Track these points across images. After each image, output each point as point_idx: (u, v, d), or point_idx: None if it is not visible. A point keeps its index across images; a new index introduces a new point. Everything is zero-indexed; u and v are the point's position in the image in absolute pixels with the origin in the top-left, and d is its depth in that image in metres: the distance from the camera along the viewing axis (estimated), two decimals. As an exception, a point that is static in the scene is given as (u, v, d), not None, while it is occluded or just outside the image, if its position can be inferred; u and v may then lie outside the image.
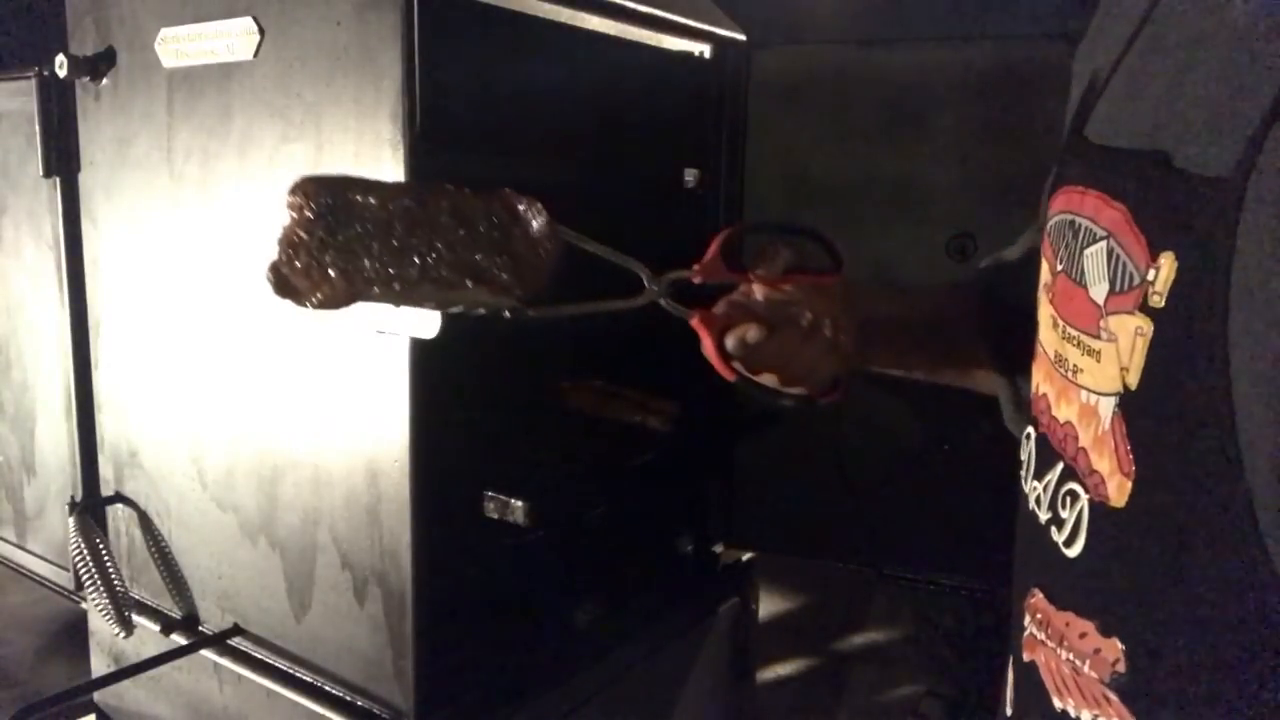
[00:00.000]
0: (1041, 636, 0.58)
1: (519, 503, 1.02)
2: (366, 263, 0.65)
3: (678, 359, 1.43)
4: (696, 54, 1.39)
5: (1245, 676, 0.45)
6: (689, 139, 1.38)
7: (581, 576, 1.28)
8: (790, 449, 1.49)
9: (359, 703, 1.03)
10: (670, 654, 1.38)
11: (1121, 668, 0.51)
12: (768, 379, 0.79)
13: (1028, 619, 0.61)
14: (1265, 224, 0.42)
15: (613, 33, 1.25)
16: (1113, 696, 0.52)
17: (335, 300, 0.66)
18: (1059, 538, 0.56)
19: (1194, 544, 0.47)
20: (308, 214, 0.65)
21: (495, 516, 1.04)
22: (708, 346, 0.78)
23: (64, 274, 1.27)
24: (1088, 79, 0.63)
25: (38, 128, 1.23)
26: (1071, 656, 0.55)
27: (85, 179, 1.22)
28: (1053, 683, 0.57)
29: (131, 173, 1.15)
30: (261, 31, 0.98)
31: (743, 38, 1.40)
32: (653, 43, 1.33)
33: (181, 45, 1.06)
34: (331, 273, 0.65)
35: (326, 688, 1.06)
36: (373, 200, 0.66)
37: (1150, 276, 0.48)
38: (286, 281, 0.66)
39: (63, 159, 1.23)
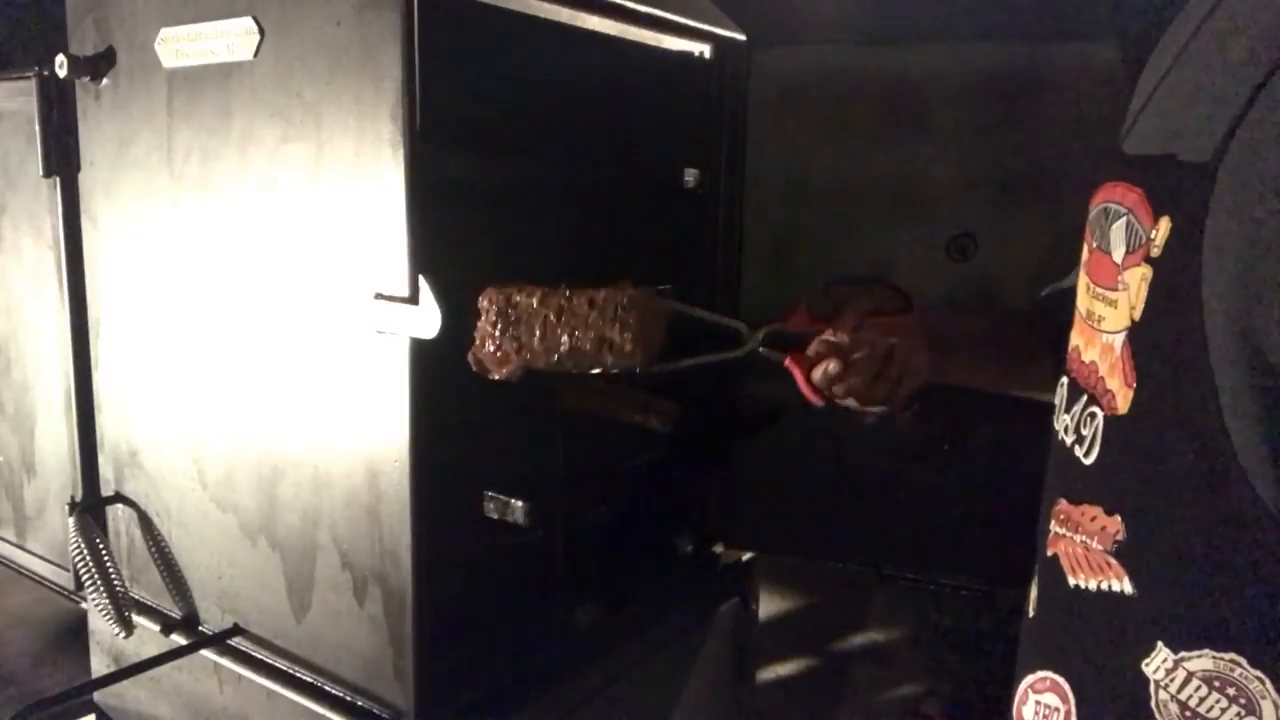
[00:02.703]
0: (1063, 531, 0.71)
1: (519, 503, 1.02)
2: (535, 343, 0.92)
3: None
4: (696, 54, 1.39)
5: (1212, 540, 0.58)
6: (689, 139, 1.38)
7: (581, 576, 1.28)
8: (790, 449, 1.49)
9: (359, 703, 1.03)
10: (670, 654, 1.38)
11: (1121, 536, 0.64)
12: (850, 403, 0.98)
13: (1052, 523, 0.74)
14: (1226, 198, 0.56)
15: (613, 33, 1.25)
16: (1113, 561, 0.65)
17: (513, 373, 0.93)
18: (1080, 451, 0.69)
19: (1176, 433, 0.59)
20: (492, 314, 0.92)
21: (495, 516, 1.04)
22: (799, 381, 0.97)
23: (64, 274, 1.27)
24: (1142, 96, 0.76)
25: (38, 128, 1.23)
26: (1084, 538, 0.68)
27: (85, 179, 1.22)
28: (1069, 564, 0.70)
29: (131, 173, 1.15)
30: (261, 31, 0.98)
31: (743, 38, 1.40)
32: (653, 43, 1.33)
33: (181, 45, 1.06)
34: (509, 353, 0.93)
35: (326, 688, 1.06)
36: (534, 301, 0.93)
37: (1153, 235, 0.61)
38: (481, 363, 0.93)
39: (63, 159, 1.23)
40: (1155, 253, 0.61)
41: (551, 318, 0.93)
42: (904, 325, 0.99)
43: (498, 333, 0.92)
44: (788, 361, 0.98)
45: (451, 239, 0.93)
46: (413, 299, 0.89)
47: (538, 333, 0.93)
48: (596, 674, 1.23)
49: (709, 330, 1.02)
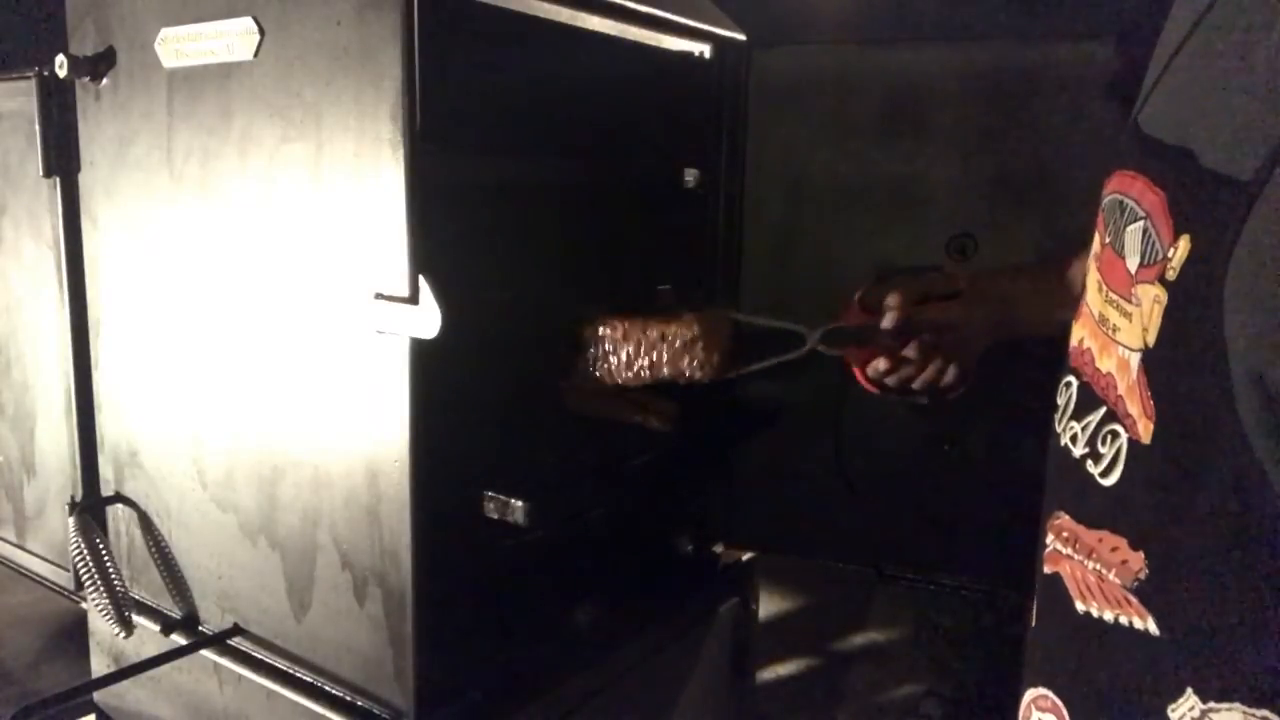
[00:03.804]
0: (1067, 551, 0.68)
1: (519, 503, 1.02)
2: (624, 366, 1.13)
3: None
4: (696, 54, 1.39)
5: (1246, 591, 0.54)
6: (689, 139, 1.38)
7: (581, 576, 1.28)
8: (790, 449, 1.49)
9: (359, 703, 1.03)
10: (670, 654, 1.38)
11: (1144, 575, 0.60)
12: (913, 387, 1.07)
13: (1051, 538, 0.71)
14: (1266, 225, 0.51)
15: (613, 33, 1.25)
16: (1133, 599, 0.61)
17: (605, 391, 1.15)
18: (1095, 469, 0.66)
19: (1203, 476, 0.56)
20: (605, 345, 1.13)
21: (495, 516, 1.04)
22: (857, 376, 1.08)
23: (64, 274, 1.27)
24: (1158, 67, 0.71)
25: (38, 128, 1.23)
26: (1099, 566, 0.64)
27: (85, 179, 1.22)
28: (1077, 589, 0.67)
29: (131, 173, 1.15)
30: (261, 31, 0.98)
31: (743, 38, 1.40)
32: (653, 43, 1.33)
33: (181, 45, 1.06)
34: (603, 374, 1.14)
35: (326, 688, 1.06)
36: (618, 332, 1.13)
37: (1170, 254, 0.57)
38: (579, 390, 1.16)
39: (63, 159, 1.23)
40: (1171, 275, 0.56)
41: (633, 343, 1.12)
42: (950, 311, 1.04)
43: (596, 358, 1.14)
44: (846, 359, 1.08)
45: (451, 239, 0.93)
46: (413, 299, 0.89)
47: (624, 356, 1.12)
48: (596, 674, 1.23)
49: (772, 333, 1.10)
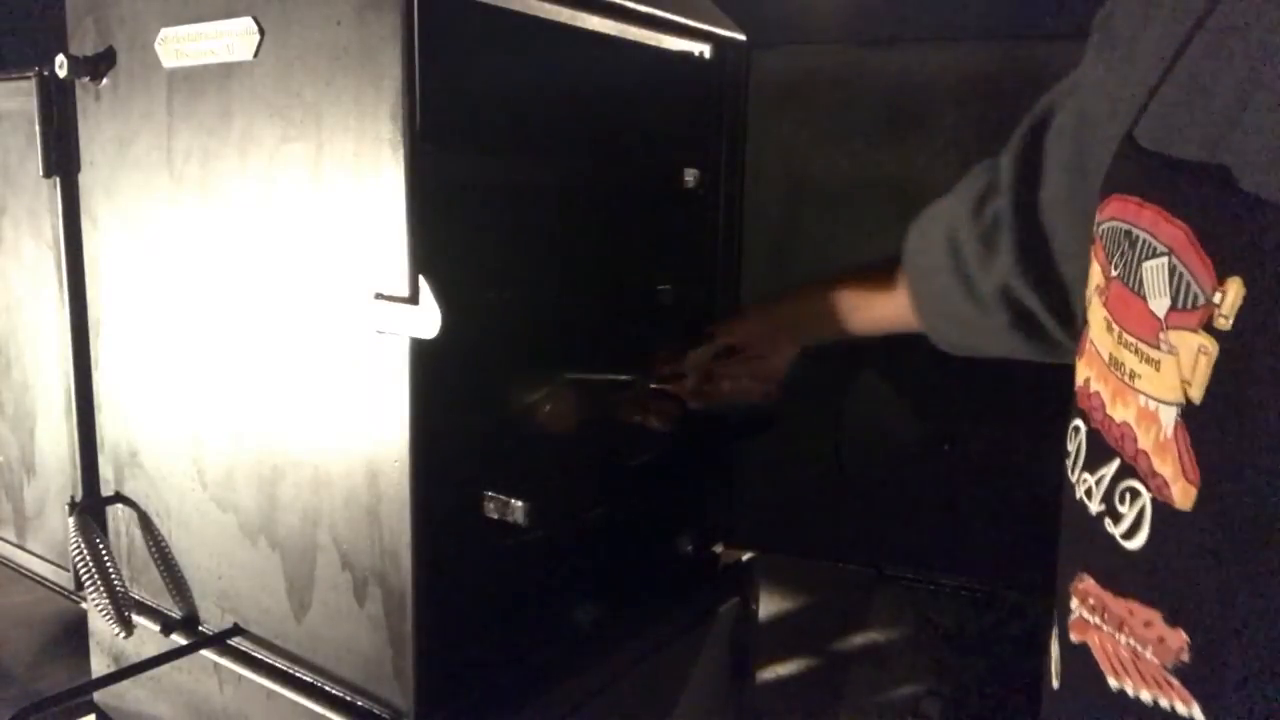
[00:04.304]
0: (1095, 621, 0.62)
1: (519, 503, 1.02)
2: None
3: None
4: (696, 54, 1.39)
5: None
6: (689, 139, 1.38)
7: (581, 576, 1.28)
8: (790, 449, 1.49)
9: (359, 703, 1.03)
10: (670, 654, 1.38)
11: (1186, 657, 0.53)
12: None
13: (1075, 602, 0.64)
14: None
15: (613, 33, 1.25)
16: (1174, 680, 0.54)
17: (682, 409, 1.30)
18: (1115, 530, 0.59)
19: (1262, 551, 0.49)
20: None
21: (495, 516, 1.04)
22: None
23: (64, 274, 1.27)
24: (1133, 72, 0.64)
25: (38, 128, 1.23)
26: (1132, 641, 0.57)
27: (85, 179, 1.22)
28: (1109, 664, 0.60)
29: (131, 173, 1.15)
30: (261, 31, 0.98)
31: (743, 38, 1.40)
32: (653, 43, 1.33)
33: (181, 45, 1.06)
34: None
35: (326, 688, 1.06)
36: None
37: (1216, 299, 0.50)
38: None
39: (63, 159, 1.23)
40: (1223, 324, 0.50)
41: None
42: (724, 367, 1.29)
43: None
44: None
45: (451, 239, 0.93)
46: (413, 299, 0.89)
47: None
48: (596, 674, 1.23)
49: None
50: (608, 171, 1.29)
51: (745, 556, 1.53)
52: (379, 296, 0.92)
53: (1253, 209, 0.48)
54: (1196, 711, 0.54)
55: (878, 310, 1.16)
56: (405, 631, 0.97)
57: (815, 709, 2.24)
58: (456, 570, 1.03)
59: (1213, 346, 0.50)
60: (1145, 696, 0.57)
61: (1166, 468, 0.54)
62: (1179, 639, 0.54)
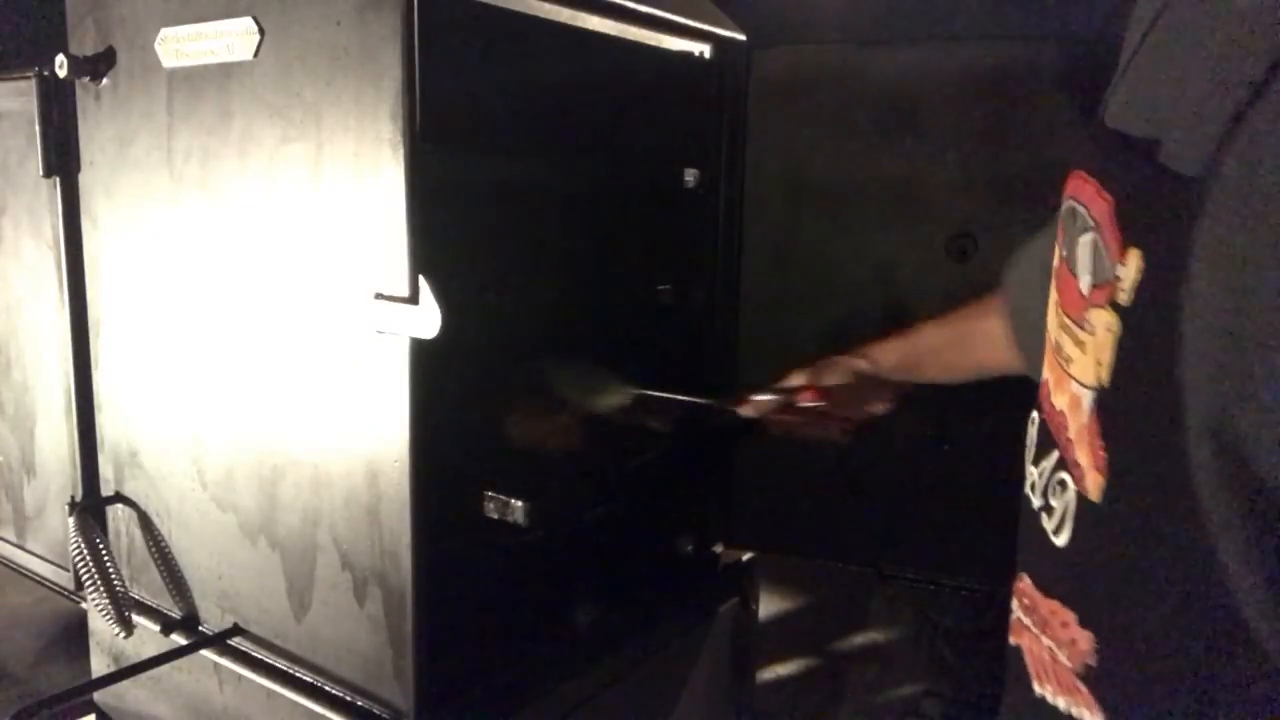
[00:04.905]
0: (1027, 621, 0.59)
1: (519, 503, 1.02)
2: None
3: (678, 359, 1.43)
4: (696, 54, 1.39)
5: (1205, 674, 0.45)
6: (689, 139, 1.38)
7: (581, 576, 1.28)
8: (790, 449, 1.49)
9: (359, 703, 1.03)
10: (670, 654, 1.38)
11: (1093, 660, 0.50)
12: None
13: (1014, 603, 0.62)
14: (1218, 233, 0.41)
15: (613, 33, 1.25)
16: (1083, 688, 0.51)
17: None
18: (1049, 525, 0.56)
19: (1160, 543, 0.46)
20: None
21: (495, 516, 1.04)
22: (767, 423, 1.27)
23: (64, 274, 1.27)
24: (1130, 47, 0.61)
25: (38, 128, 1.23)
26: (1051, 644, 0.55)
27: (85, 179, 1.22)
28: (1035, 668, 0.57)
29: (131, 173, 1.15)
30: (261, 31, 0.98)
31: (743, 38, 1.40)
32: (653, 43, 1.33)
33: (181, 45, 1.06)
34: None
35: (326, 688, 1.06)
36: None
37: (1119, 273, 0.47)
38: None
39: (63, 159, 1.23)
40: (1123, 299, 0.47)
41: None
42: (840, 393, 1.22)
43: None
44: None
45: (451, 239, 0.93)
46: (413, 299, 0.89)
47: None
48: (596, 674, 1.23)
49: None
50: (608, 171, 1.29)
51: (745, 556, 1.53)
52: (379, 296, 0.92)
53: (1160, 180, 0.46)
54: (1090, 717, 0.50)
55: (979, 353, 1.11)
56: (405, 631, 0.97)
57: (815, 709, 2.24)
58: (456, 570, 1.03)
59: (1116, 324, 0.47)
60: (1061, 704, 0.54)
61: (1085, 456, 0.51)
62: (1089, 640, 0.51)
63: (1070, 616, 0.53)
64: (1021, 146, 1.35)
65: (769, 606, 2.22)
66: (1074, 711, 0.52)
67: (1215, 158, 0.42)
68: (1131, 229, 0.47)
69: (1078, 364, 0.52)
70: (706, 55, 1.39)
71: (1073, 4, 1.34)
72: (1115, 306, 0.48)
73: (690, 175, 1.36)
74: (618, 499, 1.31)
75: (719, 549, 1.51)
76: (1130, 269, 0.46)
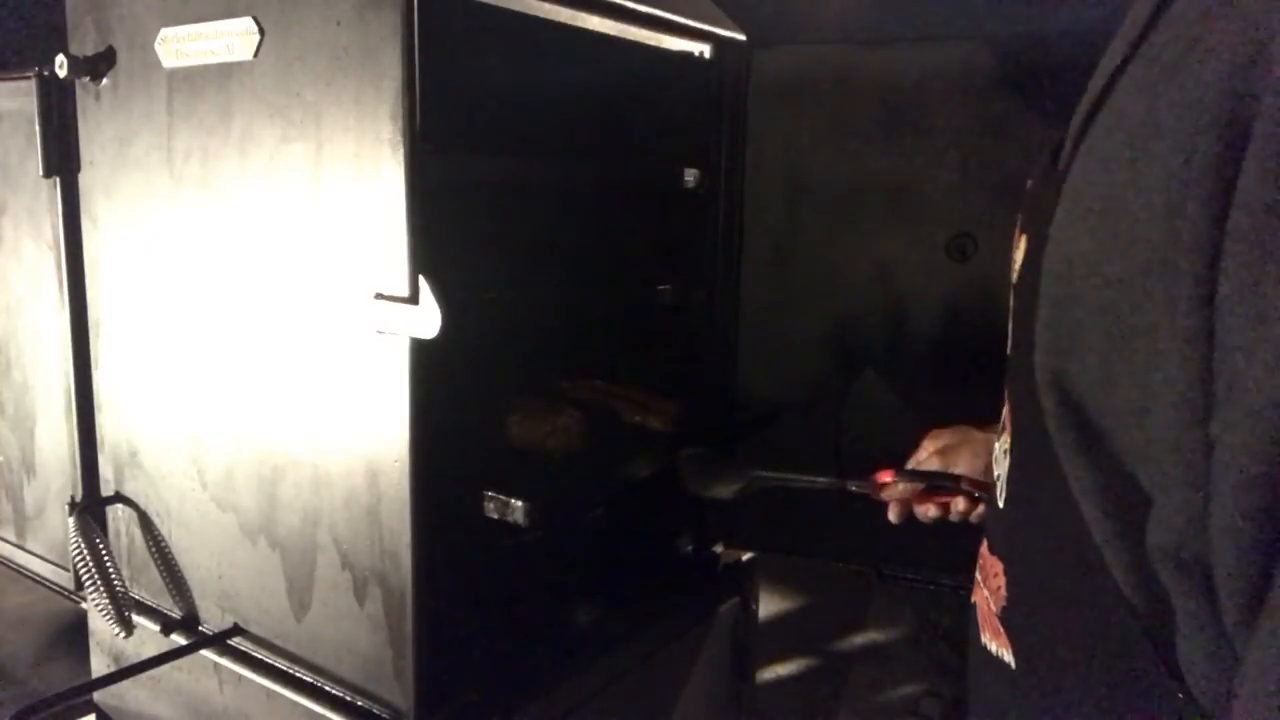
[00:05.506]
0: (979, 578, 0.64)
1: (519, 503, 1.02)
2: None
3: (678, 359, 1.43)
4: (696, 54, 1.39)
5: (1088, 630, 0.48)
6: (689, 139, 1.38)
7: (581, 576, 1.28)
8: (790, 449, 1.49)
9: (359, 703, 1.03)
10: (670, 654, 1.38)
11: (1005, 602, 0.56)
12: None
13: (977, 567, 0.67)
14: (1063, 217, 0.47)
15: (613, 33, 1.25)
16: (1001, 629, 0.57)
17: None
18: (999, 491, 0.61)
19: (1047, 503, 0.51)
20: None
21: (495, 516, 1.04)
22: (892, 509, 1.21)
23: (64, 274, 1.27)
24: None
25: (38, 128, 1.23)
26: (987, 594, 0.60)
27: (85, 179, 1.22)
28: (981, 620, 0.62)
29: (131, 173, 1.15)
30: (261, 31, 0.98)
31: (743, 38, 1.40)
32: (653, 43, 1.33)
33: (181, 45, 1.06)
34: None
35: (326, 688, 1.06)
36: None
37: (1015, 255, 0.55)
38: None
39: (63, 159, 1.23)
40: (1014, 278, 0.54)
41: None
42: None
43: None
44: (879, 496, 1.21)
45: (451, 239, 0.93)
46: (413, 299, 0.89)
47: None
48: (596, 674, 1.23)
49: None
50: (608, 171, 1.29)
51: (745, 556, 1.53)
52: (379, 296, 0.92)
53: (1049, 176, 0.52)
54: (1008, 656, 0.55)
55: None
56: (405, 631, 0.97)
57: (815, 709, 2.24)
58: (456, 570, 1.03)
59: (1013, 302, 0.54)
60: (992, 648, 0.58)
61: (1005, 420, 0.58)
62: (1003, 579, 0.56)
63: (1000, 567, 0.58)
64: (1021, 146, 1.35)
65: (769, 606, 2.22)
66: (999, 651, 0.57)
67: (1072, 154, 0.48)
68: (1025, 218, 0.55)
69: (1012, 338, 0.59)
70: (706, 55, 1.39)
71: (1073, 4, 1.34)
72: (1011, 286, 0.55)
73: (690, 175, 1.36)
74: (618, 499, 1.31)
75: (719, 549, 1.51)
76: (1020, 252, 0.54)
